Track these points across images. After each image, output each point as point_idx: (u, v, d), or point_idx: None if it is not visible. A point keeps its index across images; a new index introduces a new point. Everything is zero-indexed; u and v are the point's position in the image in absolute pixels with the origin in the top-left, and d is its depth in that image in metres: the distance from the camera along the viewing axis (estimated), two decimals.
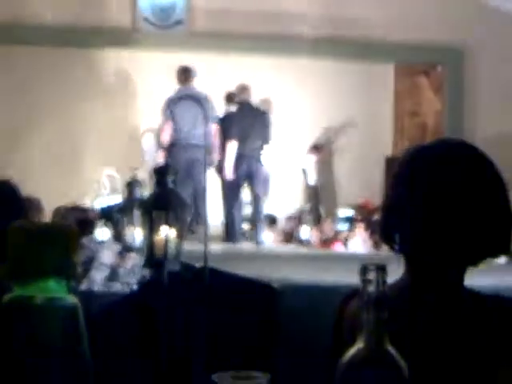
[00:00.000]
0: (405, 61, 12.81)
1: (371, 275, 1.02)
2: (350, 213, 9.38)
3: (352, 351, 1.02)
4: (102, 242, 4.40)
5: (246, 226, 10.50)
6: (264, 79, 12.21)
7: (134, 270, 4.27)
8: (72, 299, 2.74)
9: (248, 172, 7.30)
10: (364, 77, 12.59)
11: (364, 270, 1.02)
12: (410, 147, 1.64)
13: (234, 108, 7.56)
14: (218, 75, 11.79)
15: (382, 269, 1.02)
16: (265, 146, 7.47)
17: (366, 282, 1.02)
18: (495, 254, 1.50)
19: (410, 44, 12.23)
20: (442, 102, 12.89)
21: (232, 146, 7.15)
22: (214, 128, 7.26)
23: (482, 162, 1.52)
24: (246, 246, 7.15)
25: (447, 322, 1.46)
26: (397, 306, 1.29)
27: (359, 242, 7.16)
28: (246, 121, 7.22)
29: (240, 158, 7.18)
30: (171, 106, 7.13)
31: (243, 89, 7.87)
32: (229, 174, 7.17)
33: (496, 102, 12.42)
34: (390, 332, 1.01)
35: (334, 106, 12.83)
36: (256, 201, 7.55)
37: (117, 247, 4.31)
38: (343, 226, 8.92)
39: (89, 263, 4.13)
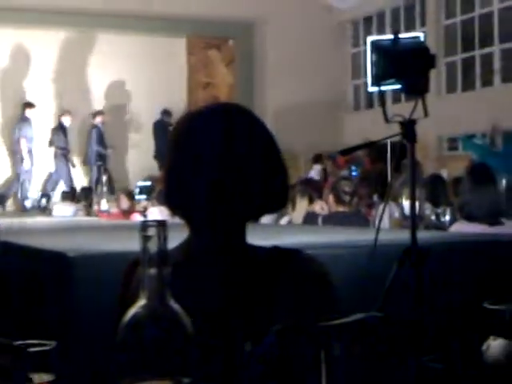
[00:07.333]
0: (196, 35, 12.93)
1: (151, 231, 0.98)
2: (148, 184, 9.59)
3: (133, 310, 0.97)
4: None
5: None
6: (46, 53, 11.98)
7: None
8: None
9: None
10: (157, 50, 12.61)
11: (144, 227, 0.98)
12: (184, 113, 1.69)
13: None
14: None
15: (162, 225, 0.98)
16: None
17: (146, 238, 0.98)
18: (274, 209, 1.58)
19: (202, 18, 12.38)
20: (233, 75, 13.17)
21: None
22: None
23: (253, 122, 1.57)
24: (39, 219, 7.07)
25: (231, 276, 1.50)
26: (181, 264, 1.35)
27: (156, 212, 7.26)
28: None
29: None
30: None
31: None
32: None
33: (283, 74, 12.89)
34: (173, 289, 0.97)
35: (128, 80, 12.77)
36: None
37: None
38: (142, 197, 9.19)
39: None
